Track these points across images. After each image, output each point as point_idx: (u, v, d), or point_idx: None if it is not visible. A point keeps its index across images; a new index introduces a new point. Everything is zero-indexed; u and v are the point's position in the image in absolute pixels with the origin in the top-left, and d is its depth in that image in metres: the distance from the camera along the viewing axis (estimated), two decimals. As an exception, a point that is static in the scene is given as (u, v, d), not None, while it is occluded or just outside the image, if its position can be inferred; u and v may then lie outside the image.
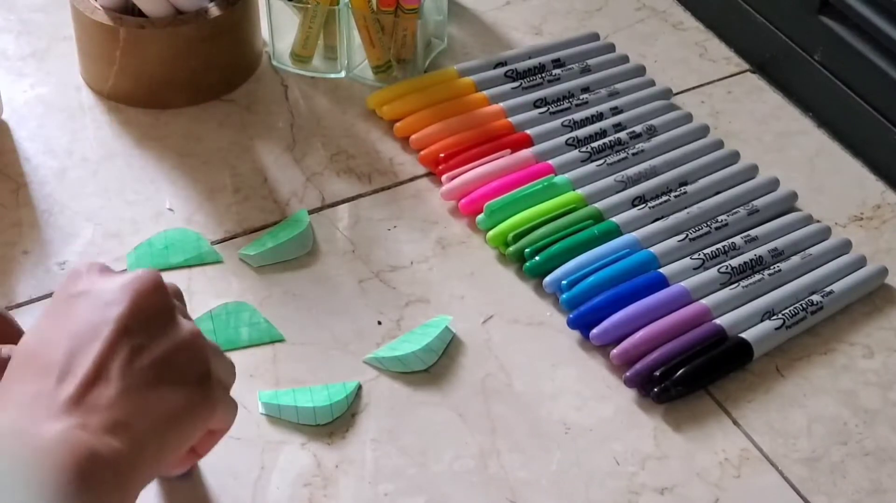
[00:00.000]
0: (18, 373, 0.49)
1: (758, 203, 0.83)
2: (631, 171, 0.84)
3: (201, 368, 0.52)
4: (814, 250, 0.79)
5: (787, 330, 0.74)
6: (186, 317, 0.55)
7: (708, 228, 0.80)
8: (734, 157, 0.87)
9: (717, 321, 0.74)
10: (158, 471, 0.51)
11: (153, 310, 0.51)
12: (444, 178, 0.84)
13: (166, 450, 0.50)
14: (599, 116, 0.90)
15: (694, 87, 0.95)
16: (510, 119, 0.89)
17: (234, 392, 0.71)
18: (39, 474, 0.44)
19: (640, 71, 0.95)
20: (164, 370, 0.50)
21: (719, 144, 0.88)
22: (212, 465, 0.66)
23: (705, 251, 0.78)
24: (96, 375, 0.48)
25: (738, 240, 0.79)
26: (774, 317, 0.75)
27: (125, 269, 0.54)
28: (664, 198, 0.83)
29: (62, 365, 0.48)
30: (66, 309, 0.51)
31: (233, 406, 0.57)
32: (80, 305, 0.50)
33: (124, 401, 0.48)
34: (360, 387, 0.71)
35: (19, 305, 0.75)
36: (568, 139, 0.87)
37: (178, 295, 0.56)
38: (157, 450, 0.49)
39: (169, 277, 0.76)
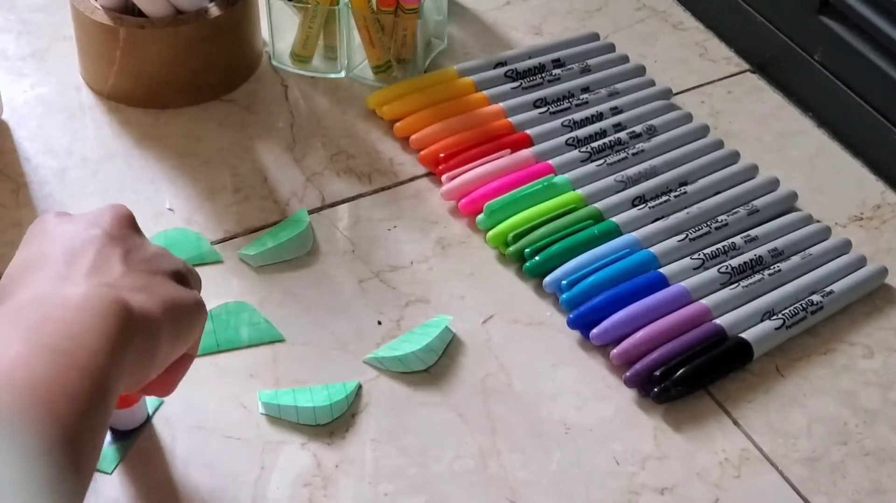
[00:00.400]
0: (17, 277, 0.53)
1: (758, 203, 0.83)
2: (631, 171, 0.84)
3: (180, 267, 0.58)
4: (814, 250, 0.79)
5: (787, 330, 0.74)
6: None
7: (708, 228, 0.80)
8: (734, 157, 0.87)
9: (717, 321, 0.74)
10: (176, 349, 0.56)
11: (130, 226, 0.57)
12: (444, 178, 0.84)
13: (180, 328, 0.55)
14: (599, 116, 0.90)
15: (694, 87, 0.95)
16: (510, 119, 0.89)
17: (234, 392, 0.71)
18: (77, 327, 0.48)
19: (640, 71, 0.95)
20: (155, 266, 0.55)
21: (719, 144, 0.88)
22: (212, 465, 0.66)
23: (705, 251, 0.78)
24: (101, 261, 0.53)
25: (738, 240, 0.79)
26: (774, 317, 0.75)
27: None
28: (664, 198, 0.83)
29: (64, 258, 0.53)
30: (47, 235, 0.55)
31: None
32: (63, 228, 0.55)
33: (135, 277, 0.53)
34: (360, 387, 0.71)
35: (19, 305, 0.75)
36: (568, 139, 0.87)
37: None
38: (175, 324, 0.54)
39: (169, 277, 0.77)
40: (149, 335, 0.52)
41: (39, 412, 0.44)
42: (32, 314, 0.49)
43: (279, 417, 0.69)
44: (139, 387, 0.55)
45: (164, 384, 0.60)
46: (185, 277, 0.58)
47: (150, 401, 0.68)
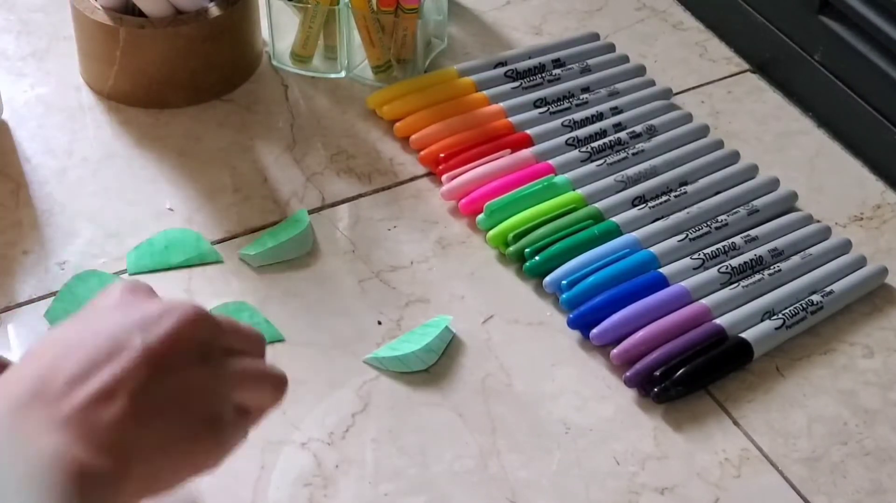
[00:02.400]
0: (30, 360, 0.47)
1: (758, 203, 0.83)
2: (631, 171, 0.84)
3: (216, 411, 0.49)
4: (814, 250, 0.79)
5: (787, 330, 0.74)
6: (240, 335, 0.52)
7: (708, 228, 0.80)
8: (734, 157, 0.87)
9: (717, 321, 0.74)
10: (148, 497, 0.49)
11: (189, 344, 0.48)
12: (444, 178, 0.84)
13: (160, 479, 0.48)
14: (599, 116, 0.90)
15: (694, 87, 0.95)
16: (510, 119, 0.89)
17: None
18: (30, 484, 0.43)
19: (640, 71, 0.95)
20: (176, 405, 0.47)
21: (719, 144, 0.88)
22: (212, 465, 0.66)
23: (705, 251, 0.78)
24: (106, 394, 0.46)
25: (738, 240, 0.79)
26: (774, 317, 0.75)
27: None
28: (664, 198, 0.83)
29: (75, 371, 0.46)
30: (97, 316, 0.49)
31: (271, 380, 0.53)
32: (113, 317, 0.48)
33: (125, 427, 0.46)
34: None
35: (19, 305, 0.75)
36: (568, 139, 0.87)
37: (232, 328, 0.52)
38: (150, 477, 0.48)
39: (169, 277, 0.77)
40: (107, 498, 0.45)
41: None
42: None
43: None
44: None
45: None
46: (225, 400, 0.49)
47: None
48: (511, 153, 0.85)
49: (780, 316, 0.74)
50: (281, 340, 0.73)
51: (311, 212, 0.82)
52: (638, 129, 0.88)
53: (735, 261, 0.78)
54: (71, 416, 0.45)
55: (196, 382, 0.48)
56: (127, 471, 0.46)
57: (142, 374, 0.46)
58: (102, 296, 0.50)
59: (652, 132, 0.88)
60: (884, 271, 0.79)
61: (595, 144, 0.87)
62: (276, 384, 0.53)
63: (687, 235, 0.79)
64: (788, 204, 0.84)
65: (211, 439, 0.49)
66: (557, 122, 0.89)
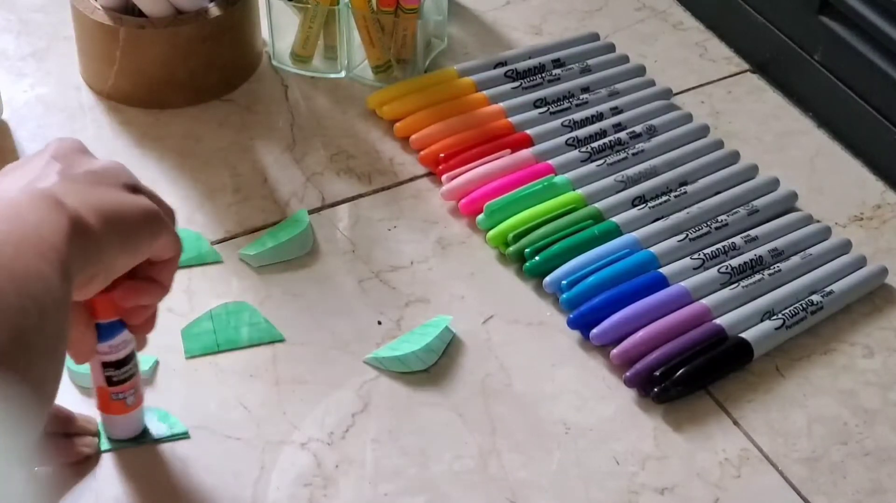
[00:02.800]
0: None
1: (758, 203, 0.83)
2: (631, 171, 0.84)
3: (132, 181, 0.59)
4: (814, 250, 0.79)
5: (787, 330, 0.74)
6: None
7: (708, 228, 0.80)
8: (734, 157, 0.87)
9: (717, 321, 0.74)
10: (124, 258, 0.57)
11: (78, 149, 0.58)
12: (444, 178, 0.84)
13: (125, 234, 0.56)
14: (599, 116, 0.90)
15: (694, 87, 0.95)
16: (510, 119, 0.89)
17: (235, 392, 0.71)
18: (18, 220, 0.51)
19: (640, 71, 0.95)
20: (96, 177, 0.57)
21: (719, 144, 0.88)
22: (212, 465, 0.66)
23: (705, 251, 0.78)
24: (39, 173, 0.55)
25: (738, 240, 0.79)
26: (774, 317, 0.75)
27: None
28: (664, 198, 0.83)
29: (2, 174, 0.56)
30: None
31: (175, 235, 0.61)
32: (13, 165, 0.57)
33: (68, 186, 0.54)
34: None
35: (19, 305, 0.75)
36: (568, 139, 0.87)
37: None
38: (117, 230, 0.55)
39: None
40: (90, 241, 0.53)
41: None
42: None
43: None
44: (96, 290, 0.56)
45: (122, 295, 0.60)
46: (137, 190, 0.59)
47: (152, 411, 0.68)
48: (511, 153, 0.85)
49: (780, 316, 0.74)
50: (281, 340, 0.73)
51: (311, 212, 0.82)
52: (638, 129, 0.88)
53: (735, 262, 0.78)
54: (19, 182, 0.54)
55: (107, 162, 0.59)
56: (94, 218, 0.54)
57: (55, 165, 0.56)
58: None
59: (652, 132, 0.88)
60: (884, 271, 0.79)
61: (595, 144, 0.87)
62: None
63: (687, 235, 0.79)
64: (788, 204, 0.84)
65: (143, 203, 0.58)
66: (557, 122, 0.89)
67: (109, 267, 0.56)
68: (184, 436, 0.67)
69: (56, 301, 0.49)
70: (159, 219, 0.59)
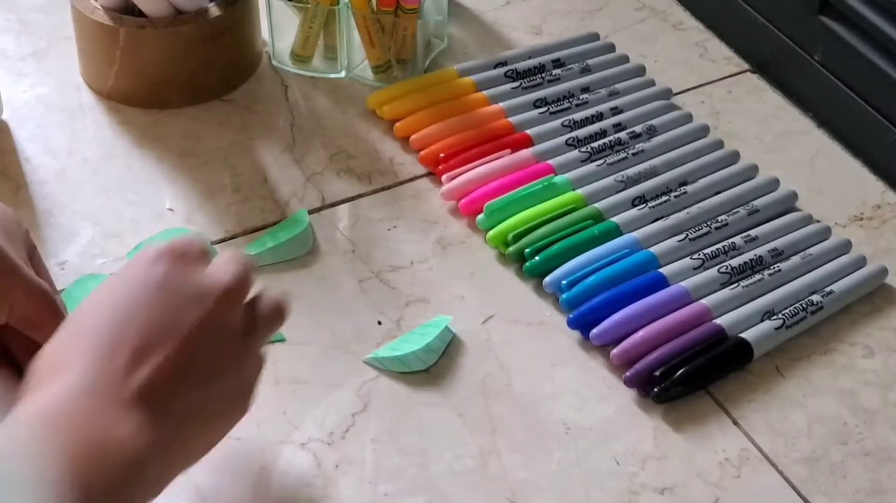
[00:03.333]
0: (85, 332, 0.50)
1: (758, 203, 0.83)
2: (631, 171, 0.84)
3: (247, 384, 0.54)
4: (814, 250, 0.79)
5: (787, 330, 0.74)
6: (262, 313, 0.57)
7: (708, 228, 0.80)
8: (734, 157, 0.87)
9: (717, 321, 0.74)
10: (185, 466, 0.53)
11: (223, 322, 0.52)
12: (444, 178, 0.84)
13: (197, 448, 0.53)
14: (599, 116, 0.90)
15: (694, 87, 0.95)
16: (510, 119, 0.89)
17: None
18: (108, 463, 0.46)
19: (640, 71, 0.95)
20: (217, 377, 0.52)
21: (719, 144, 0.88)
22: (212, 465, 0.66)
23: (705, 251, 0.78)
24: (163, 373, 0.49)
25: (738, 240, 0.79)
26: (774, 317, 0.75)
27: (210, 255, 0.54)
28: (664, 198, 0.83)
29: (134, 350, 0.49)
30: (147, 287, 0.51)
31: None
32: (163, 292, 0.51)
33: (184, 398, 0.50)
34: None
35: (19, 305, 0.75)
36: (568, 139, 0.87)
37: (252, 277, 0.56)
38: (205, 440, 0.53)
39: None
40: (166, 466, 0.50)
41: None
42: (74, 439, 0.46)
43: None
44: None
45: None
46: (249, 391, 0.55)
47: None
48: (511, 153, 0.85)
49: (780, 316, 0.74)
50: (281, 340, 0.73)
51: (311, 212, 0.82)
52: (638, 129, 0.88)
53: (735, 262, 0.78)
54: (136, 395, 0.48)
55: (233, 356, 0.52)
56: (176, 441, 0.50)
57: (191, 349, 0.50)
58: (151, 258, 0.52)
59: (652, 132, 0.88)
60: (884, 271, 0.79)
61: (595, 144, 0.87)
62: (284, 313, 0.58)
63: (687, 235, 0.79)
64: (788, 204, 0.84)
65: (243, 405, 0.54)
66: (557, 122, 0.89)
67: (193, 459, 0.53)
68: None
69: None
70: (250, 397, 0.55)
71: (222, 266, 0.54)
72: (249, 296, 0.56)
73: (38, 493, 0.43)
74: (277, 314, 0.58)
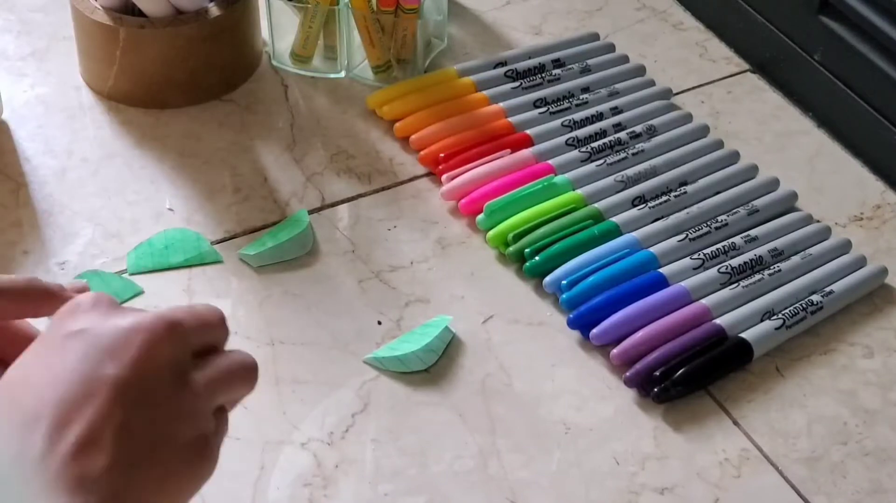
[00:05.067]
0: (7, 404, 0.44)
1: (758, 203, 0.83)
2: (631, 171, 0.84)
3: (201, 432, 0.47)
4: (814, 250, 0.79)
5: (787, 330, 0.74)
6: (208, 328, 0.49)
7: (708, 228, 0.80)
8: (734, 157, 0.87)
9: (717, 321, 0.74)
10: None
11: (156, 369, 0.45)
12: (444, 178, 0.84)
13: None
14: (599, 116, 0.90)
15: (694, 87, 0.95)
16: (510, 119, 0.89)
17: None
18: None
19: (640, 71, 0.95)
20: (162, 438, 0.45)
21: (719, 144, 0.88)
22: (212, 465, 0.66)
23: (705, 251, 0.78)
24: (89, 442, 0.43)
25: (738, 240, 0.79)
26: (774, 317, 0.75)
27: (137, 309, 0.47)
28: (664, 198, 0.83)
29: (50, 422, 0.43)
30: (58, 349, 0.45)
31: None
32: (75, 348, 0.44)
33: (117, 473, 0.43)
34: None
35: (19, 305, 0.75)
36: (568, 139, 0.87)
37: (198, 322, 0.48)
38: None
39: (169, 277, 0.77)
40: None
41: None
42: None
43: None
44: None
45: None
46: (205, 441, 0.46)
47: None
48: (511, 153, 0.85)
49: (780, 316, 0.74)
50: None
51: (311, 212, 0.82)
52: (638, 129, 0.88)
53: (735, 262, 0.78)
54: (59, 474, 0.42)
55: (176, 407, 0.45)
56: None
57: (119, 413, 0.43)
58: (57, 323, 0.46)
59: (652, 132, 0.88)
60: (884, 271, 0.79)
61: (595, 144, 0.87)
62: (248, 376, 0.50)
63: (687, 235, 0.79)
64: (788, 204, 0.84)
65: (201, 459, 0.46)
66: (557, 122, 0.89)
67: None
68: None
69: None
70: (211, 462, 0.46)
71: (139, 315, 0.46)
72: (211, 348, 0.49)
73: None
74: (242, 369, 0.50)
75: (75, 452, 0.42)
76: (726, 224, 0.81)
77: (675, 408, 0.71)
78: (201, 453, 0.46)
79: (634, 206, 0.82)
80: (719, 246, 0.79)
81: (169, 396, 0.45)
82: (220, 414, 0.49)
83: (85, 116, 0.90)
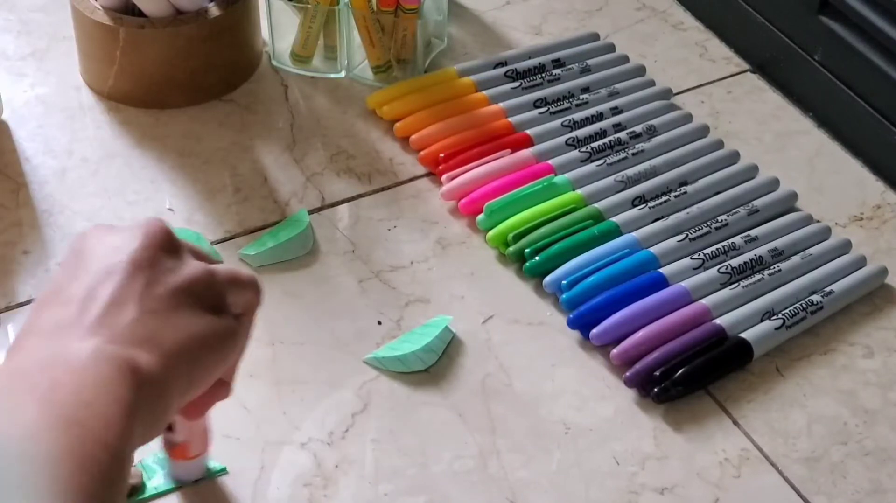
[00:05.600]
0: (39, 309, 0.51)
1: (758, 203, 0.83)
2: (631, 171, 0.84)
3: (216, 301, 0.54)
4: (814, 250, 0.79)
5: (787, 330, 0.74)
6: (200, 257, 0.56)
7: (708, 228, 0.80)
8: (734, 157, 0.87)
9: (717, 321, 0.74)
10: (192, 392, 0.53)
11: (162, 247, 0.53)
12: (444, 178, 0.84)
13: (197, 370, 0.52)
14: (599, 116, 0.90)
15: (694, 87, 0.95)
16: (510, 119, 0.89)
17: (234, 392, 0.71)
18: (88, 394, 0.46)
19: (640, 71, 0.95)
20: (180, 298, 0.52)
21: (719, 144, 0.88)
22: (212, 465, 0.66)
23: (705, 251, 0.78)
24: (116, 302, 0.50)
25: (738, 240, 0.79)
26: (774, 317, 0.75)
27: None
28: (664, 198, 0.83)
29: (82, 297, 0.50)
30: (78, 257, 0.53)
31: (247, 337, 0.57)
32: (93, 252, 0.53)
33: (146, 322, 0.50)
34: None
35: (19, 305, 0.75)
36: (568, 139, 0.87)
37: (193, 248, 0.56)
38: (189, 369, 0.51)
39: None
40: (158, 395, 0.50)
41: (59, 486, 0.43)
42: (42, 379, 0.47)
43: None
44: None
45: (189, 411, 0.58)
46: (219, 297, 0.54)
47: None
48: (511, 153, 0.85)
49: (780, 316, 0.74)
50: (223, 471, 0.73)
51: (311, 212, 0.82)
52: (638, 129, 0.88)
53: (735, 262, 0.78)
54: (93, 327, 0.49)
55: (186, 278, 0.52)
56: (173, 363, 0.50)
57: (138, 280, 0.51)
58: (77, 240, 0.54)
59: (652, 132, 0.88)
60: (884, 271, 0.79)
61: (595, 144, 0.87)
62: (253, 282, 0.56)
63: (687, 235, 0.79)
64: (788, 204, 0.84)
65: (222, 326, 0.53)
66: (557, 122, 0.89)
67: (177, 410, 0.52)
68: (222, 472, 0.66)
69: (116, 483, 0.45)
70: (235, 339, 0.54)
71: (136, 220, 0.55)
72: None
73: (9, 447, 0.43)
74: (246, 276, 0.56)
75: (105, 313, 0.49)
76: (726, 224, 0.81)
77: (675, 408, 0.71)
78: (222, 315, 0.53)
79: (634, 206, 0.82)
80: (719, 246, 0.79)
81: (176, 266, 0.53)
82: (239, 288, 0.55)
83: (85, 116, 0.90)
